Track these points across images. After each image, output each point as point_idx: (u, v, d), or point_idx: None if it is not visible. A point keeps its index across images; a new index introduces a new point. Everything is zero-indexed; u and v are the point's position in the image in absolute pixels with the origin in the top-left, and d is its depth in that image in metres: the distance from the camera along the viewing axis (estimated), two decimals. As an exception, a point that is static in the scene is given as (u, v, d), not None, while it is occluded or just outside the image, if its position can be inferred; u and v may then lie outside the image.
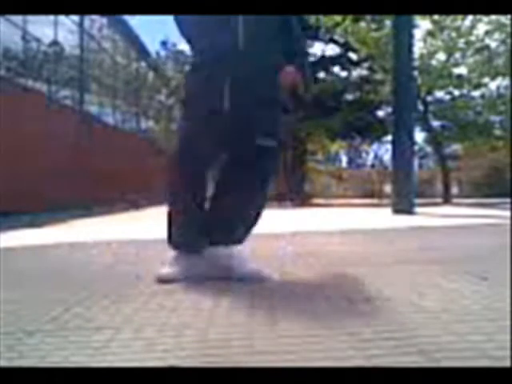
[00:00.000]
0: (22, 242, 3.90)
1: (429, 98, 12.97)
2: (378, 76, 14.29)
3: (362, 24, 11.73)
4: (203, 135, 2.07)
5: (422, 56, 11.71)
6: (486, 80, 12.05)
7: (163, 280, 1.98)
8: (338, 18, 10.74)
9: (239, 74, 2.08)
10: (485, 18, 10.99)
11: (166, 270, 2.04)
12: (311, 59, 18.23)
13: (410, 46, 7.09)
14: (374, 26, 11.79)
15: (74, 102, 13.69)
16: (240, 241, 2.12)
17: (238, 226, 2.12)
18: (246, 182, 2.10)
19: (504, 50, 11.43)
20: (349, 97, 17.68)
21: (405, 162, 6.96)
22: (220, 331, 1.28)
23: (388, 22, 10.44)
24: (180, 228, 2.14)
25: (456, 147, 20.03)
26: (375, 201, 16.00)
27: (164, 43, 20.83)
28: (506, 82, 12.31)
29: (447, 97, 13.23)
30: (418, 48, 11.38)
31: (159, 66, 20.05)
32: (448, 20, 11.17)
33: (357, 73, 17.59)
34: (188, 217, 2.13)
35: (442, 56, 11.99)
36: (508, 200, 10.46)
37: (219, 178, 2.16)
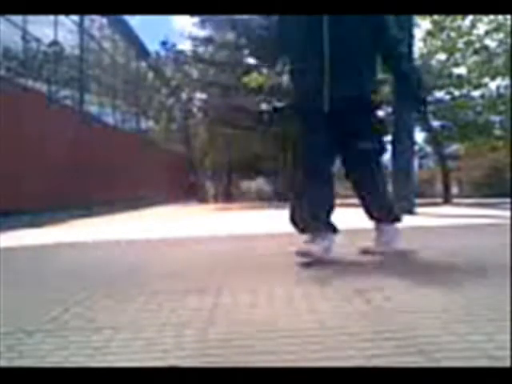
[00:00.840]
0: (22, 242, 3.90)
1: (429, 98, 12.96)
2: (378, 76, 14.27)
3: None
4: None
5: (422, 56, 11.70)
6: (485, 80, 12.04)
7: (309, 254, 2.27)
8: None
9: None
10: (485, 18, 10.98)
11: (314, 247, 2.31)
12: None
13: (410, 46, 7.09)
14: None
15: (73, 101, 13.70)
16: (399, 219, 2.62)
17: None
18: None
19: (503, 49, 11.43)
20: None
21: (405, 162, 6.95)
22: (220, 331, 1.28)
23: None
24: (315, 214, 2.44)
25: (456, 147, 20.03)
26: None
27: (164, 43, 20.84)
28: (505, 82, 12.31)
29: (447, 97, 13.23)
30: (418, 48, 11.38)
31: (159, 66, 20.04)
32: (448, 20, 11.17)
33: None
34: (320, 207, 2.44)
35: (441, 56, 11.99)
36: (508, 200, 10.45)
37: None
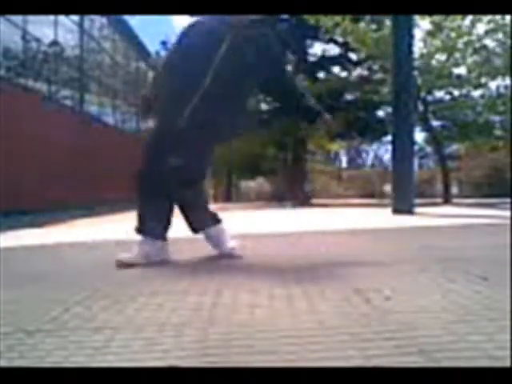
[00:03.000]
0: (22, 242, 3.90)
1: (429, 98, 12.97)
2: (378, 76, 14.28)
3: (362, 24, 11.73)
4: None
5: (422, 56, 11.71)
6: (485, 80, 12.04)
7: (123, 264, 2.39)
8: (337, 18, 10.74)
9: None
10: (484, 18, 10.98)
11: (127, 255, 2.46)
12: (311, 59, 18.23)
13: (410, 45, 7.09)
14: (373, 26, 11.79)
15: (73, 101, 13.70)
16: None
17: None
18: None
19: (503, 49, 11.43)
20: (349, 97, 17.68)
21: (405, 162, 6.95)
22: (220, 331, 1.28)
23: (388, 22, 10.45)
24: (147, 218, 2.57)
25: (456, 147, 20.04)
26: (375, 201, 16.01)
27: (164, 43, 20.84)
28: (505, 81, 12.31)
29: (447, 97, 13.23)
30: (418, 48, 11.38)
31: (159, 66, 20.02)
32: (447, 20, 11.17)
33: (357, 73, 17.58)
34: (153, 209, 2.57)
35: (441, 56, 11.99)
36: (508, 200, 10.46)
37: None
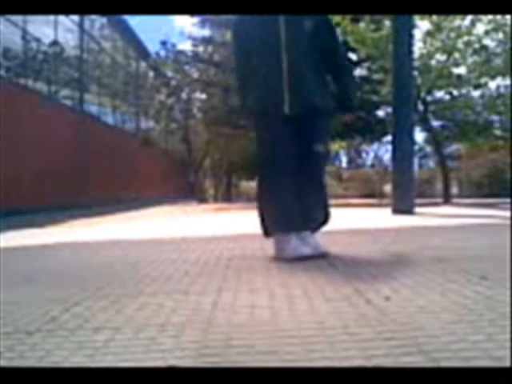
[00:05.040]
0: (22, 241, 3.90)
1: (429, 98, 12.96)
2: (378, 76, 14.27)
3: (361, 24, 11.72)
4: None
5: (421, 56, 11.70)
6: (485, 80, 12.04)
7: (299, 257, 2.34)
8: (337, 18, 10.73)
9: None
10: (484, 18, 10.98)
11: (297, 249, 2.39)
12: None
13: (410, 45, 7.08)
14: (372, 26, 11.78)
15: (73, 101, 13.70)
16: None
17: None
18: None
19: (503, 49, 11.43)
20: (349, 97, 17.65)
21: (405, 162, 6.94)
22: (220, 331, 1.28)
23: (387, 22, 10.45)
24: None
25: (456, 147, 20.03)
26: (375, 201, 15.99)
27: (164, 43, 20.78)
28: (505, 81, 12.31)
29: (447, 97, 13.22)
30: (418, 48, 11.37)
31: (159, 66, 20.02)
32: (447, 21, 11.17)
33: (357, 73, 17.57)
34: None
35: (441, 56, 11.98)
36: (508, 200, 10.45)
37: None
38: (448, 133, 13.55)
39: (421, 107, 12.41)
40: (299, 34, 2.46)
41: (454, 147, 19.75)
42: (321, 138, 2.58)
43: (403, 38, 6.98)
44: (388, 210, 7.12)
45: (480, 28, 11.31)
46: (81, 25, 14.03)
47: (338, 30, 11.35)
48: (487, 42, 11.59)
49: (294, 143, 2.50)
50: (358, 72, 17.45)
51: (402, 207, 6.77)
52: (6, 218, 7.37)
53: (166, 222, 6.30)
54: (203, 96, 21.87)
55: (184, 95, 20.84)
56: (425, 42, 11.81)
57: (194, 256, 2.72)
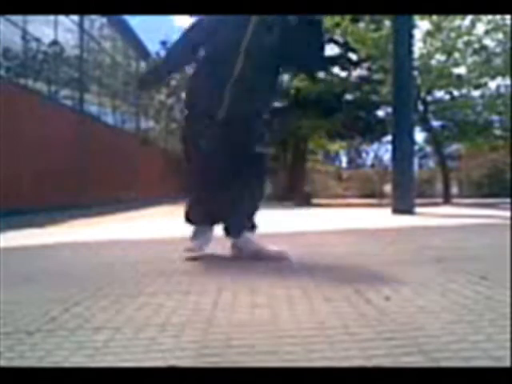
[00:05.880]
0: (22, 241, 3.90)
1: (429, 98, 12.97)
2: (378, 76, 14.28)
3: (361, 24, 11.74)
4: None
5: (421, 56, 11.70)
6: (485, 80, 12.04)
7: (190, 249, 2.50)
8: (337, 18, 10.74)
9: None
10: (484, 18, 10.99)
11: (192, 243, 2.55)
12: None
13: (410, 45, 7.09)
14: (372, 26, 11.79)
15: (73, 101, 13.69)
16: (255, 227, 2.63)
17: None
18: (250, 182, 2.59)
19: (502, 49, 11.43)
20: (349, 97, 17.67)
21: (405, 162, 6.95)
22: (220, 331, 1.28)
23: (387, 22, 10.45)
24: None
25: (456, 147, 20.03)
26: (375, 201, 16.00)
27: (164, 43, 20.77)
28: (505, 82, 12.31)
29: (447, 97, 13.22)
30: (418, 48, 11.38)
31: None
32: (447, 21, 11.17)
33: (357, 73, 17.57)
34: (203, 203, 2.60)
35: (441, 56, 11.99)
36: (508, 200, 10.45)
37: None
38: (448, 133, 13.56)
39: (421, 107, 12.41)
40: (262, 41, 2.41)
41: (454, 147, 19.75)
42: (260, 138, 2.59)
43: (403, 37, 6.98)
44: (388, 210, 7.12)
45: (480, 28, 11.32)
46: (81, 25, 14.03)
47: (338, 31, 11.38)
48: (487, 42, 11.60)
49: (229, 147, 2.51)
50: (358, 72, 17.47)
51: (402, 207, 6.78)
52: (5, 217, 7.36)
53: (166, 222, 6.30)
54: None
55: (184, 95, 20.82)
56: (425, 41, 11.81)
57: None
